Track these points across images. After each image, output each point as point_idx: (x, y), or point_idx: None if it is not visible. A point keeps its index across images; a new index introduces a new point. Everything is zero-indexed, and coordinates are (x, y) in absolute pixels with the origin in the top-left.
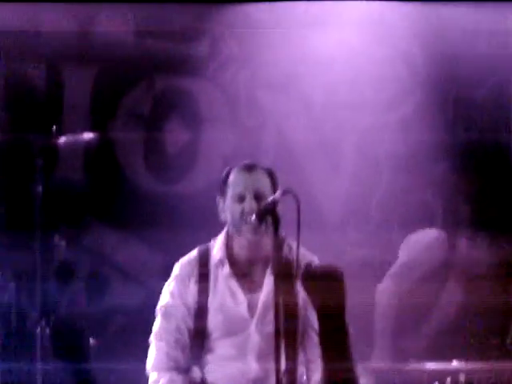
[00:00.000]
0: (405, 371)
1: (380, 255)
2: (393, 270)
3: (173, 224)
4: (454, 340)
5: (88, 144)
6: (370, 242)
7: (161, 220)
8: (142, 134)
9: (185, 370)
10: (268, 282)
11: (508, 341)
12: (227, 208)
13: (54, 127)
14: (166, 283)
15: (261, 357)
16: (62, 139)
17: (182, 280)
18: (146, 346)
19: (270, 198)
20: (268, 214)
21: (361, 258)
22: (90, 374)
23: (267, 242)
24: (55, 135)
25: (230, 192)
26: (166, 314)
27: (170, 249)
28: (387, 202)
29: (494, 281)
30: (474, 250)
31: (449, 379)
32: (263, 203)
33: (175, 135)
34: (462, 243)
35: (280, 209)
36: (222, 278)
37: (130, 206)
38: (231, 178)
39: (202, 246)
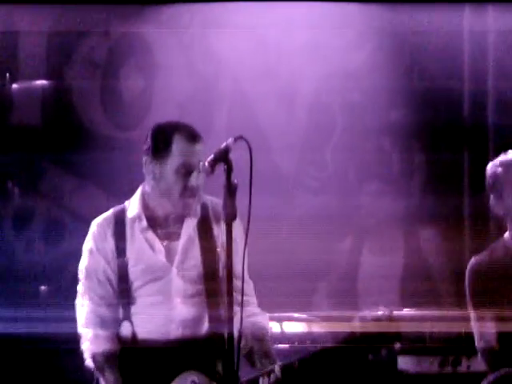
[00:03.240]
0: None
1: (336, 202)
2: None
3: (129, 170)
4: (407, 289)
5: (44, 91)
6: (326, 190)
7: (117, 166)
8: (98, 81)
9: (111, 323)
10: (186, 229)
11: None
12: (164, 176)
13: (8, 75)
14: (84, 243)
15: (186, 300)
16: (17, 86)
17: (99, 236)
18: None
19: (223, 145)
20: (220, 161)
21: (317, 205)
22: (43, 320)
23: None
24: (9, 82)
25: (173, 162)
26: (87, 272)
27: (126, 194)
28: (343, 149)
29: (447, 230)
30: (429, 198)
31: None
32: (216, 151)
33: (131, 83)
34: (417, 190)
35: (232, 156)
36: (138, 231)
37: (87, 152)
38: (175, 146)
39: (117, 207)
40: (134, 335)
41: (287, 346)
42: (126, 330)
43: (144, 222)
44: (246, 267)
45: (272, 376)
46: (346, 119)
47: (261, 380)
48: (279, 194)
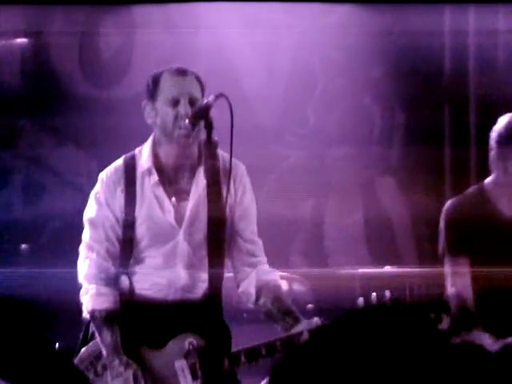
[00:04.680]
0: (337, 277)
1: (315, 159)
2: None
3: (108, 128)
4: (386, 246)
5: (22, 50)
6: (306, 146)
7: (96, 124)
8: (76, 38)
9: (114, 281)
10: (195, 190)
11: (439, 251)
12: (158, 112)
13: None
14: (93, 192)
15: (189, 265)
16: None
17: (109, 189)
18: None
19: (203, 102)
20: (201, 119)
21: (295, 162)
22: (23, 278)
23: (194, 150)
24: None
25: (162, 96)
26: (95, 224)
27: (105, 153)
28: (324, 106)
29: (426, 187)
30: (409, 156)
31: (374, 294)
32: (196, 107)
33: (109, 39)
34: (397, 148)
35: (213, 113)
36: (149, 186)
37: (66, 111)
38: (163, 81)
39: (128, 155)
40: (131, 294)
41: None
42: (124, 287)
43: (155, 177)
44: (253, 228)
45: (301, 338)
46: (326, 76)
47: (295, 338)
48: (260, 150)
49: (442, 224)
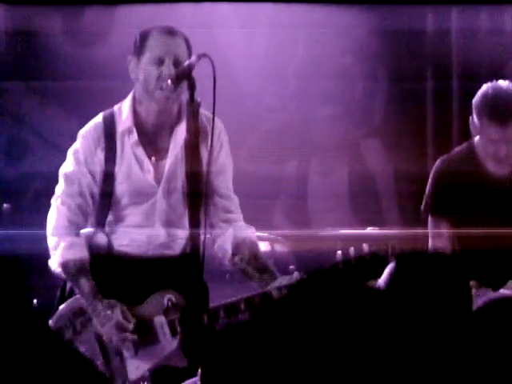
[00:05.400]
0: (318, 237)
1: (298, 121)
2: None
3: (92, 87)
4: (368, 207)
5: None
6: (287, 108)
7: (81, 85)
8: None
9: (87, 236)
10: (173, 148)
11: (422, 208)
12: (141, 69)
13: None
14: (72, 148)
15: (167, 223)
16: None
17: (89, 147)
18: None
19: (186, 63)
20: (183, 79)
21: (278, 123)
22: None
23: (174, 108)
24: None
25: (148, 54)
26: (70, 179)
27: (88, 112)
28: (305, 68)
29: (409, 147)
30: (392, 116)
31: (352, 249)
32: (179, 68)
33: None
34: (381, 110)
35: (195, 73)
36: (128, 145)
37: (51, 71)
38: (150, 39)
39: (107, 112)
40: (110, 250)
41: None
42: (101, 241)
43: (135, 136)
44: (229, 185)
45: (280, 293)
46: (308, 39)
47: (274, 292)
48: (242, 112)
49: (429, 181)
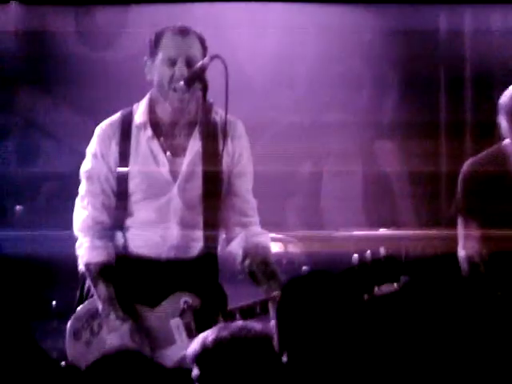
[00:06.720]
0: (332, 239)
1: (308, 119)
2: None
3: (105, 88)
4: (382, 208)
5: (16, 12)
6: (298, 107)
7: (93, 85)
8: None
9: (109, 235)
10: (192, 146)
11: (451, 210)
12: (156, 70)
13: None
14: (88, 146)
15: (182, 222)
16: None
17: (104, 141)
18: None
19: (198, 64)
20: (196, 80)
21: (291, 124)
22: (17, 240)
23: (192, 108)
24: None
25: (161, 55)
26: (90, 178)
27: (101, 113)
28: (316, 68)
29: (422, 149)
30: (401, 114)
31: (369, 252)
32: (191, 69)
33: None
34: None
35: (208, 74)
36: (144, 139)
37: (62, 72)
38: (164, 40)
39: (125, 110)
40: (126, 251)
41: None
42: (119, 243)
43: (149, 131)
44: (248, 187)
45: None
46: (320, 40)
47: (270, 304)
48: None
49: (458, 184)
